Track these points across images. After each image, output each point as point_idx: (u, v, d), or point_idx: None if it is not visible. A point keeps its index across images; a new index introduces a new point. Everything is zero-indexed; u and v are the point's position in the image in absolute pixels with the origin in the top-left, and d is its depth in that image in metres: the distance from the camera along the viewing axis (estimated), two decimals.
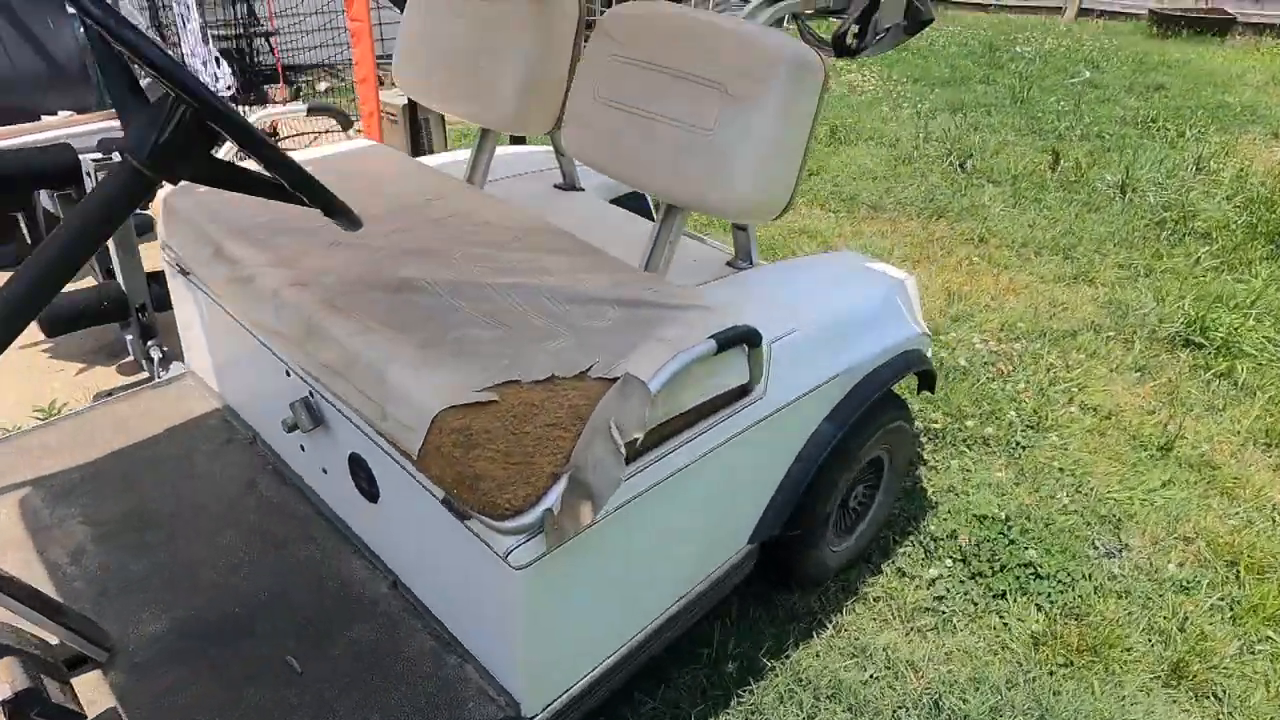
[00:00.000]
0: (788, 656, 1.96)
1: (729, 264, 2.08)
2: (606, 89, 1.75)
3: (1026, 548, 2.26)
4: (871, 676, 1.94)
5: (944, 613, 2.11)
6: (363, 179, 2.07)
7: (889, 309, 2.04)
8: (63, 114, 2.89)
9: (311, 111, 2.24)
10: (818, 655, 1.98)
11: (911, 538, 2.33)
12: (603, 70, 1.76)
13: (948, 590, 2.17)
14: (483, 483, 1.25)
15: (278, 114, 2.34)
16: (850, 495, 2.15)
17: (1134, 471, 2.63)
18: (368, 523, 1.70)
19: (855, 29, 1.86)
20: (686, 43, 1.64)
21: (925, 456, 2.66)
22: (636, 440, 1.33)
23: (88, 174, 2.43)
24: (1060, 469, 2.62)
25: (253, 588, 1.67)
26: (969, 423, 2.78)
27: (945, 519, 2.39)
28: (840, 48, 1.85)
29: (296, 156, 2.21)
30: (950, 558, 2.25)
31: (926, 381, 2.26)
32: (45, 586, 1.63)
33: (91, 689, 1.48)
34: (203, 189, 1.96)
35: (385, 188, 2.03)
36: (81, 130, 2.69)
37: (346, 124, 2.39)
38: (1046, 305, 3.55)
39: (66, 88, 3.00)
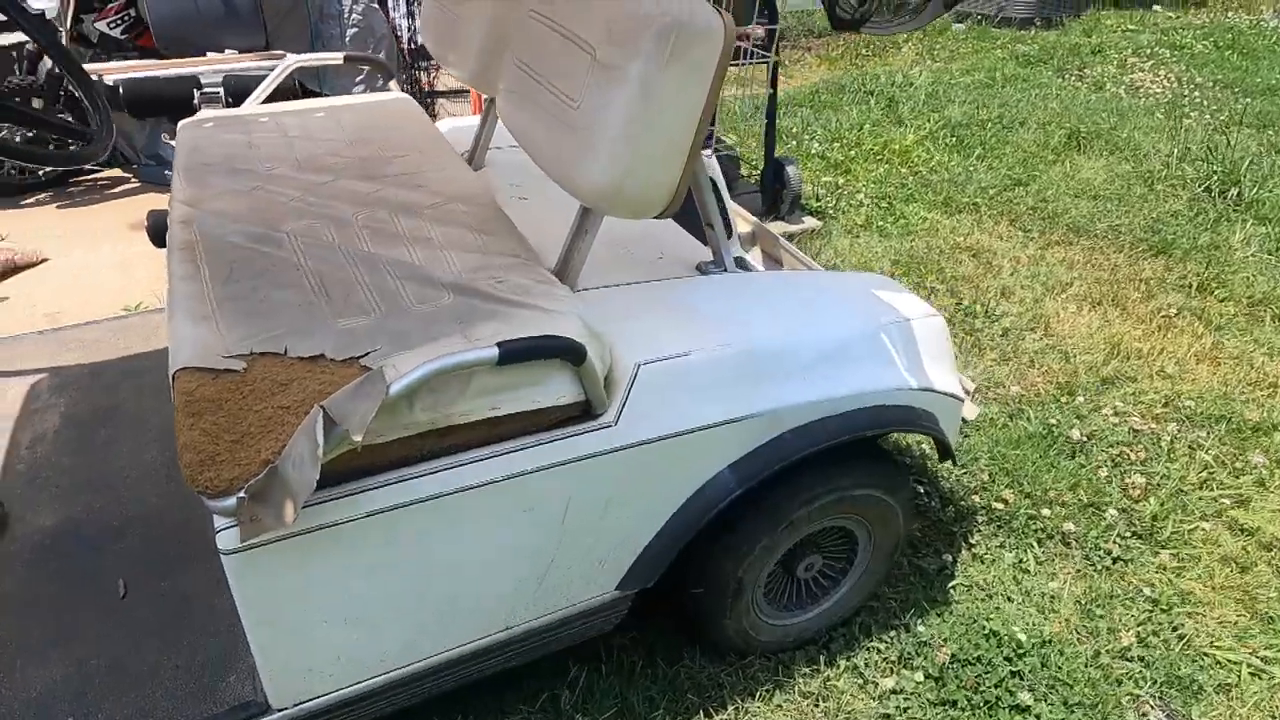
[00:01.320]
0: None
1: (698, 267, 1.80)
2: (523, 49, 1.55)
3: (1030, 688, 1.74)
4: None
5: None
6: (356, 128, 2.05)
7: (871, 350, 1.64)
8: (228, 52, 3.23)
9: (348, 60, 2.27)
10: None
11: (890, 633, 1.90)
12: (522, 28, 1.56)
13: (899, 711, 1.73)
14: (187, 454, 1.16)
15: (312, 60, 2.41)
16: (799, 565, 1.79)
17: (1266, 629, 1.93)
18: None
19: None
20: None
21: (973, 538, 2.15)
22: (356, 440, 1.16)
23: (196, 105, 2.68)
24: (1152, 600, 1.99)
25: (144, 504, 1.75)
26: (1047, 511, 2.21)
27: (944, 621, 1.91)
28: (835, 17, 1.48)
29: (326, 101, 2.25)
30: (923, 671, 1.80)
31: (942, 450, 1.81)
32: None
33: None
34: (210, 124, 2.05)
35: (368, 137, 1.99)
36: (225, 67, 2.98)
37: (388, 76, 2.39)
38: (1247, 385, 2.71)
39: (239, 29, 3.35)
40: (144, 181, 4.22)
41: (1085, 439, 2.44)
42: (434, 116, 4.45)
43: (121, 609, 1.55)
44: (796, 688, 1.78)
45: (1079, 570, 2.07)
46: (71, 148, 1.31)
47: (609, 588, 1.58)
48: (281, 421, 1.19)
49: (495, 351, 1.23)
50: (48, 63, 3.29)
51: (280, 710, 1.38)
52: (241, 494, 1.14)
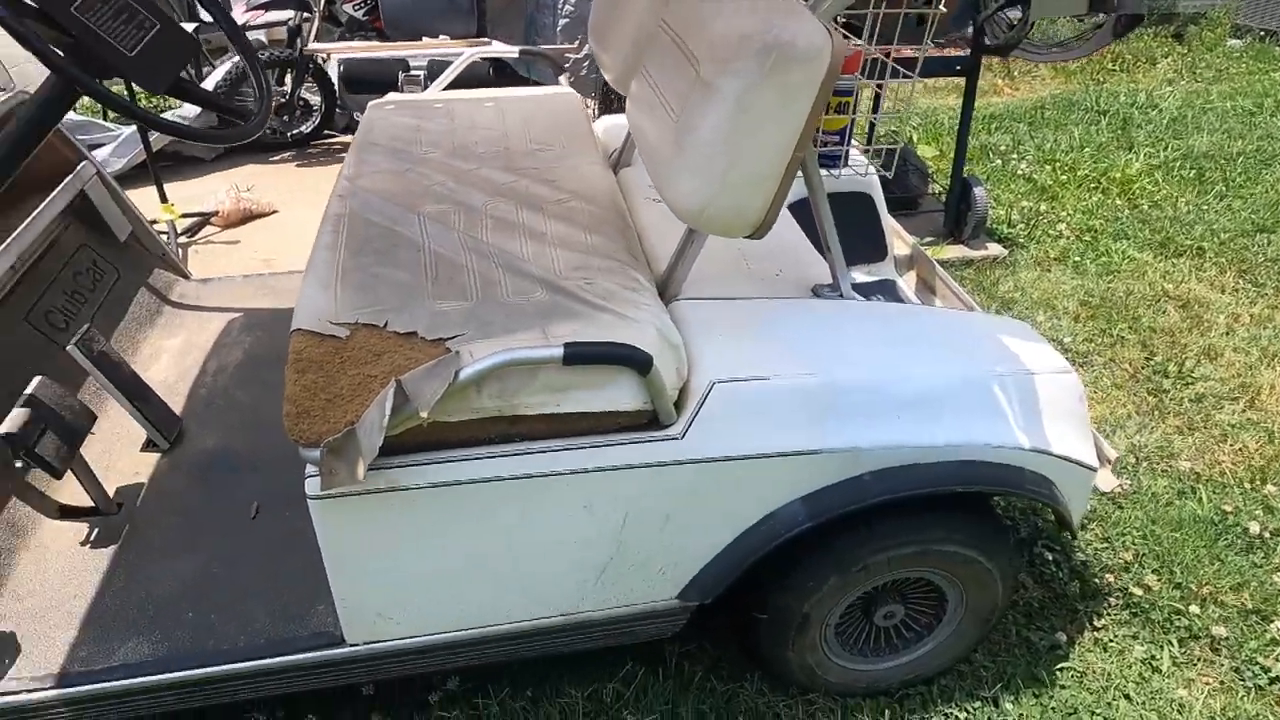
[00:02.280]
0: None
1: (813, 289, 1.74)
2: (650, 59, 1.56)
3: None
4: None
5: None
6: (515, 119, 2.17)
7: (977, 400, 1.52)
8: (442, 38, 3.51)
9: (523, 54, 2.39)
10: None
11: (975, 704, 1.76)
12: (650, 40, 1.57)
13: None
14: (289, 405, 1.31)
15: (494, 53, 2.53)
16: (878, 611, 1.70)
17: None
18: None
19: (1012, 18, 1.36)
20: (699, 8, 1.38)
21: (1100, 621, 1.94)
22: (423, 417, 1.25)
23: (400, 86, 2.95)
24: None
25: (280, 447, 1.97)
26: (1196, 608, 1.94)
27: (1040, 705, 1.74)
28: (979, 42, 1.38)
29: (498, 92, 2.40)
30: None
31: (1061, 522, 1.65)
32: (173, 376, 2.13)
33: (147, 466, 1.93)
34: (392, 106, 2.26)
35: (523, 129, 2.11)
36: (428, 52, 3.25)
37: (558, 70, 2.49)
38: None
39: (457, 17, 3.62)
40: (214, 142, 4.68)
41: (1267, 535, 2.11)
42: (620, 107, 4.58)
43: (249, 530, 1.77)
44: None
45: (1223, 682, 1.81)
46: (228, 128, 1.51)
47: (669, 595, 1.59)
48: (368, 388, 1.31)
49: (560, 351, 1.27)
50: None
51: (352, 645, 1.53)
52: (323, 448, 1.28)
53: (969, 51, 2.79)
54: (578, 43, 4.41)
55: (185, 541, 1.73)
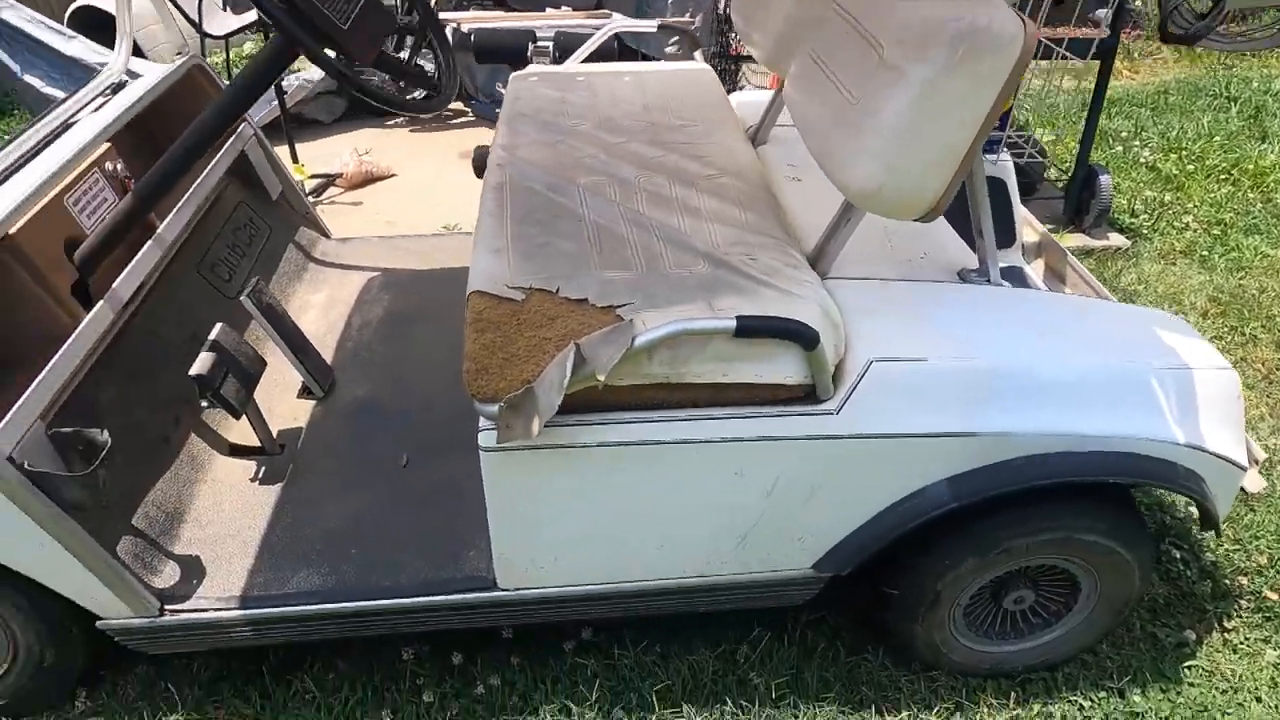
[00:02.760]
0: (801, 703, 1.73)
1: (960, 274, 1.74)
2: (818, 40, 1.58)
3: None
4: None
5: None
6: (655, 94, 2.21)
7: (1133, 392, 1.51)
8: (564, 9, 3.55)
9: (662, 27, 2.42)
10: None
11: (1100, 694, 1.76)
12: (821, 19, 1.59)
13: None
14: (468, 363, 1.39)
15: (630, 26, 2.57)
16: (1009, 595, 1.72)
17: None
18: None
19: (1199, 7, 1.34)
20: None
21: (1230, 623, 1.92)
22: (599, 380, 1.31)
23: (529, 56, 3.01)
24: None
25: (432, 395, 2.08)
26: None
27: (1167, 700, 1.74)
28: (1164, 30, 1.36)
29: (635, 66, 2.44)
30: None
31: (1206, 519, 1.63)
32: (320, 329, 2.26)
33: (303, 412, 2.06)
34: (535, 78, 2.32)
35: (664, 104, 2.15)
36: (557, 24, 3.29)
37: (694, 46, 2.51)
38: None
39: None
40: (477, 116, 4.79)
41: None
42: (738, 81, 4.57)
43: (400, 477, 1.88)
44: (979, 716, 1.73)
45: None
46: (417, 98, 1.59)
47: (805, 565, 1.64)
48: (543, 350, 1.38)
49: (733, 323, 1.32)
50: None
51: (504, 590, 1.62)
52: (502, 404, 1.36)
53: (1108, 33, 2.71)
54: (689, 17, 4.41)
55: (344, 484, 1.85)
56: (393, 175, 3.99)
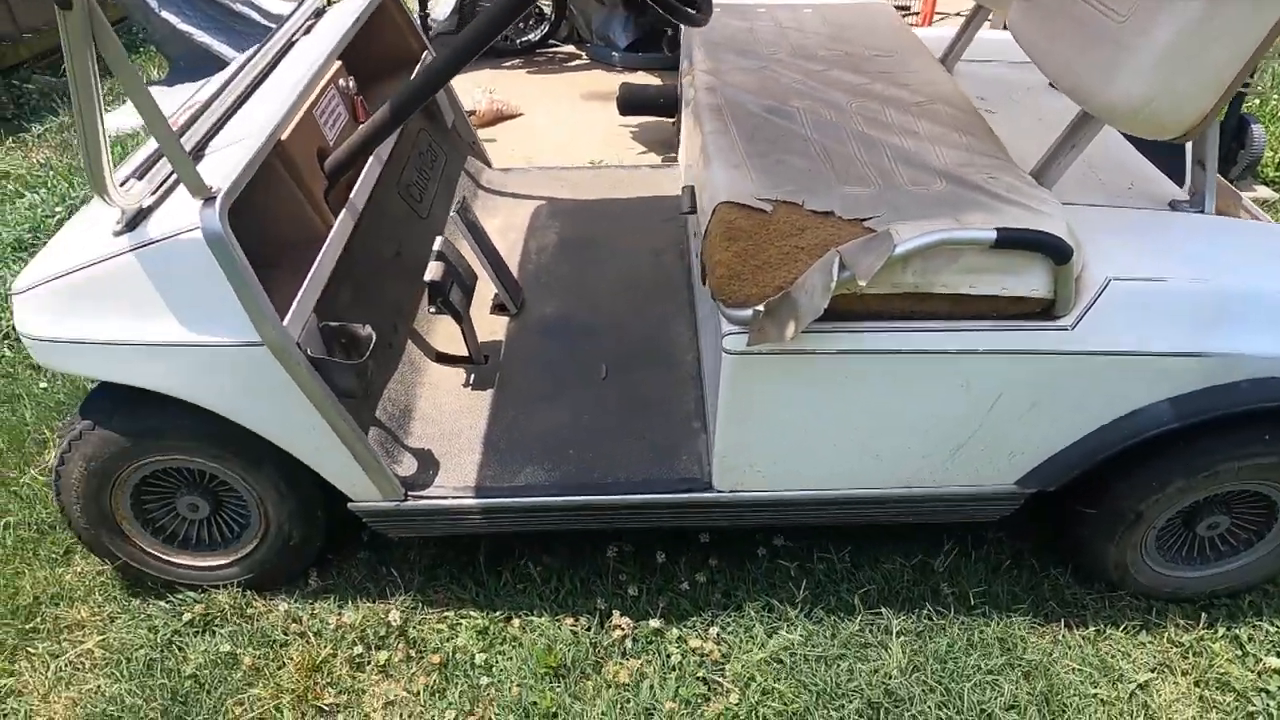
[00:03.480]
0: (983, 618, 1.80)
1: (1171, 204, 1.76)
2: None
3: None
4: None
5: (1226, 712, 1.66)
6: (839, 26, 2.24)
7: None
8: None
9: None
10: (995, 642, 1.77)
11: None
12: None
13: (1264, 693, 1.68)
14: (720, 269, 1.47)
15: None
16: (1202, 520, 1.76)
17: None
18: (702, 296, 2.04)
19: None
20: None
21: None
22: (860, 285, 1.38)
23: None
24: None
25: (618, 314, 2.18)
26: None
27: None
28: None
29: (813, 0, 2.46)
30: None
31: None
32: (508, 254, 2.35)
33: (499, 326, 2.17)
34: (719, 11, 2.36)
35: (850, 35, 2.18)
36: None
37: None
38: None
39: None
40: (592, 59, 4.83)
41: None
42: None
43: (602, 387, 1.98)
44: (1166, 635, 1.79)
45: None
46: (688, 13, 1.65)
47: (1010, 480, 1.70)
48: (795, 259, 1.45)
49: (993, 234, 1.37)
50: None
51: (719, 491, 1.72)
52: (759, 308, 1.43)
53: None
54: None
55: (552, 392, 1.96)
56: (520, 114, 4.07)
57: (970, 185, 1.53)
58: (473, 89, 4.09)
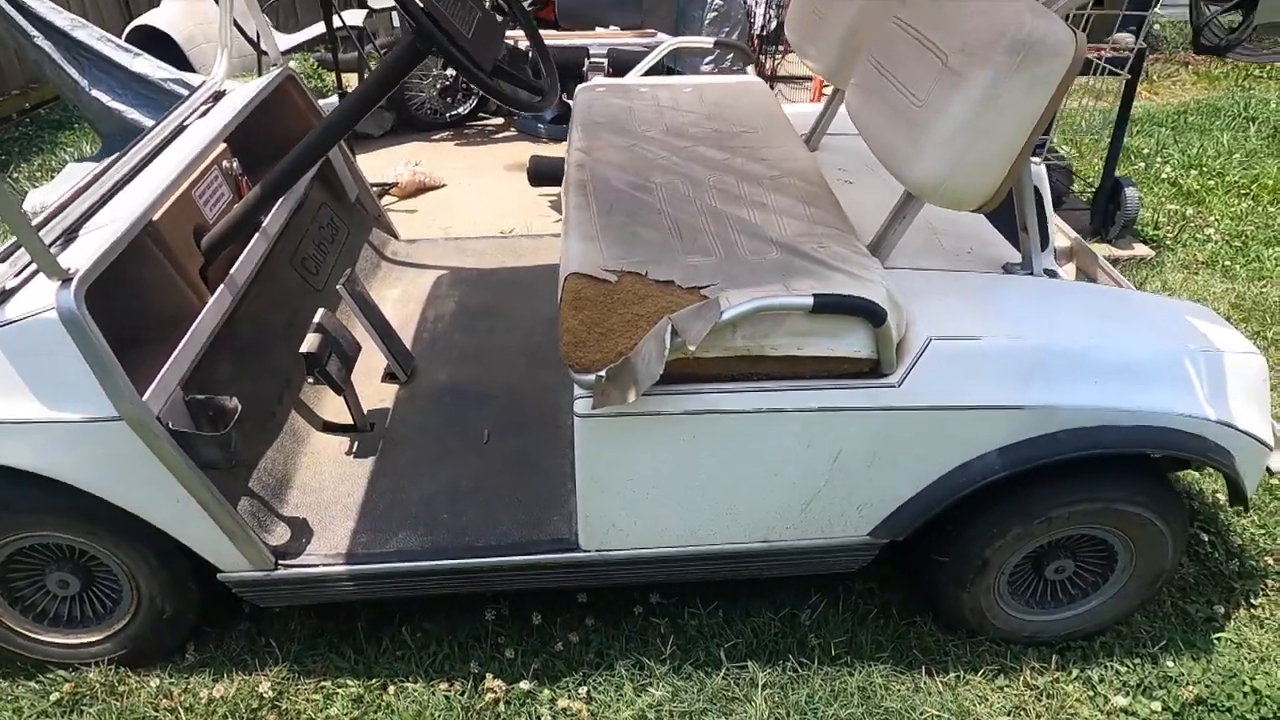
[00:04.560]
0: (849, 665, 1.85)
1: (1004, 267, 1.90)
2: (879, 50, 1.74)
3: None
4: None
5: None
6: (714, 104, 2.39)
7: (1169, 372, 1.66)
8: (612, 28, 3.75)
9: (717, 45, 2.60)
10: (877, 690, 1.82)
11: (1134, 660, 1.89)
12: (879, 31, 1.75)
13: None
14: (567, 336, 1.55)
15: (687, 44, 2.74)
16: (1049, 565, 1.85)
17: None
18: None
19: (1230, 21, 1.49)
20: (943, 6, 1.56)
21: (1256, 600, 2.04)
22: (691, 350, 1.46)
23: (584, 69, 3.20)
24: None
25: (506, 380, 2.24)
26: None
27: (1198, 666, 1.86)
28: (1198, 42, 1.52)
29: (693, 79, 2.62)
30: (1162, 703, 1.78)
31: (1235, 493, 1.77)
32: (396, 322, 2.42)
33: (388, 394, 2.22)
34: (602, 89, 2.50)
35: (723, 113, 2.32)
36: (609, 42, 3.50)
37: (747, 61, 2.69)
38: None
39: (622, 8, 3.85)
40: (519, 131, 5.00)
41: None
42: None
43: (483, 452, 2.04)
44: (1022, 678, 1.86)
45: None
46: (526, 98, 1.75)
47: (862, 531, 1.78)
48: (636, 325, 1.54)
49: (810, 300, 1.48)
50: None
51: (586, 551, 1.77)
52: (601, 374, 1.51)
53: (1145, 46, 2.87)
54: (725, 34, 4.61)
55: (432, 458, 2.01)
56: (443, 185, 4.19)
57: (802, 254, 1.64)
58: (397, 161, 4.21)
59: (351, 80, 4.91)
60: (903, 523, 1.75)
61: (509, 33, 4.15)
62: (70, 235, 1.66)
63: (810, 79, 4.63)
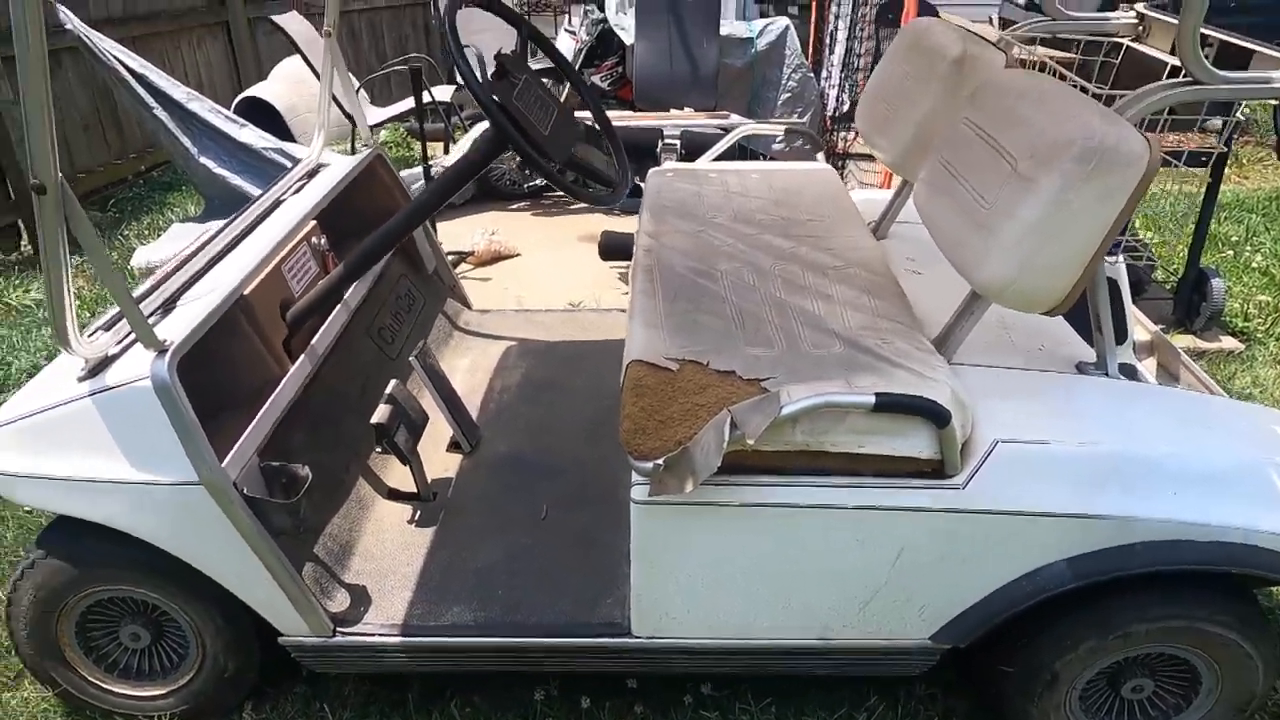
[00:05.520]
0: None
1: (1078, 366, 1.85)
2: (948, 150, 1.75)
3: None
4: None
5: None
6: (783, 191, 2.43)
7: (1257, 485, 1.58)
8: (686, 110, 3.86)
9: (789, 131, 2.65)
10: None
11: None
12: (949, 130, 1.77)
13: None
14: (627, 422, 1.57)
15: (758, 129, 2.79)
16: (1126, 682, 1.75)
17: None
18: None
19: None
20: (1013, 111, 1.56)
21: None
22: (749, 443, 1.47)
23: (658, 150, 3.29)
24: None
25: (569, 455, 2.27)
26: None
27: None
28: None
29: (761, 165, 2.67)
30: None
31: None
32: (464, 391, 2.48)
33: (451, 464, 2.28)
34: (672, 173, 2.57)
35: (790, 200, 2.35)
36: (683, 123, 3.60)
37: (817, 148, 2.73)
38: None
39: (698, 91, 3.97)
40: (593, 204, 5.14)
41: None
42: (844, 175, 4.80)
43: (541, 527, 2.05)
44: None
45: None
46: (594, 190, 1.82)
47: (923, 635, 1.72)
48: (696, 415, 1.55)
49: (872, 399, 1.47)
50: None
51: (638, 637, 1.76)
52: (659, 462, 1.52)
53: (1226, 149, 2.81)
54: (798, 116, 4.69)
55: (491, 530, 2.03)
56: (517, 254, 4.32)
57: (865, 349, 1.64)
58: (475, 229, 4.37)
59: (436, 149, 5.16)
60: (966, 629, 1.68)
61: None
62: (169, 306, 1.78)
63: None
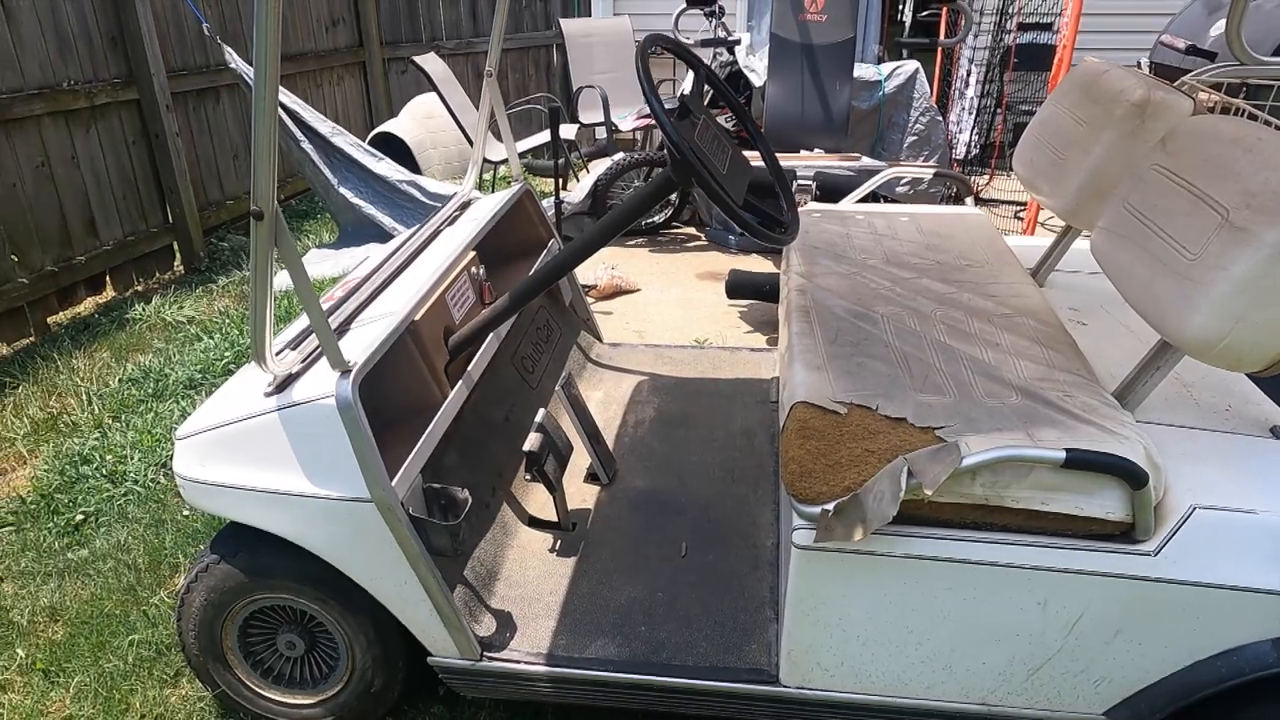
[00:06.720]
0: None
1: (1273, 430, 1.72)
2: (1136, 197, 1.67)
3: None
4: None
5: None
6: (933, 234, 2.37)
7: None
8: (816, 151, 3.85)
9: (937, 175, 2.60)
10: None
11: None
12: (1139, 178, 1.69)
13: None
14: (792, 465, 1.55)
15: (905, 171, 2.74)
16: None
17: None
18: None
19: None
20: (1220, 158, 1.48)
21: None
22: (926, 494, 1.42)
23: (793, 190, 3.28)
24: None
25: (704, 492, 2.26)
26: None
27: None
28: None
29: (909, 208, 2.62)
30: None
31: None
32: (599, 424, 2.50)
33: (589, 495, 2.29)
34: (817, 214, 2.55)
35: (943, 244, 2.30)
36: (817, 164, 3.58)
37: (966, 191, 2.66)
38: None
39: (828, 132, 3.95)
40: (709, 241, 5.17)
41: None
42: None
43: (680, 565, 2.03)
44: None
45: None
46: (766, 229, 1.81)
47: (1098, 709, 1.61)
48: (866, 461, 1.51)
49: (1062, 455, 1.40)
50: None
51: (785, 687, 1.71)
52: (828, 508, 1.49)
53: None
54: (924, 158, 4.61)
55: (631, 565, 2.03)
56: (638, 289, 4.37)
57: (1045, 401, 1.57)
58: (597, 264, 4.45)
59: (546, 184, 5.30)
60: (1148, 708, 1.57)
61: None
62: (343, 328, 1.86)
63: (1015, 204, 4.51)
